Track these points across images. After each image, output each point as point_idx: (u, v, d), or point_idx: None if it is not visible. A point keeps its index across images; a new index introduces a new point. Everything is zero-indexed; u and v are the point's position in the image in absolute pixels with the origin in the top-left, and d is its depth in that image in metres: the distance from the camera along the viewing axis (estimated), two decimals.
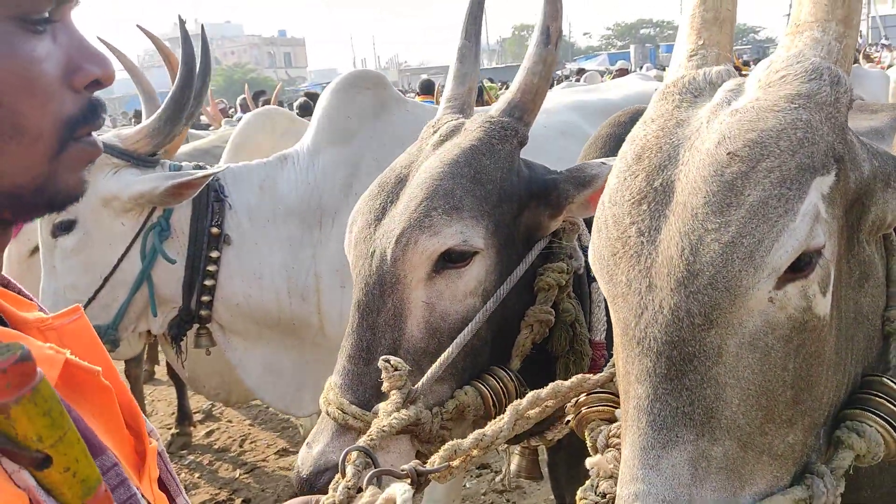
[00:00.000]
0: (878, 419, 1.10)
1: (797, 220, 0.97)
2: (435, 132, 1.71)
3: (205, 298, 2.90)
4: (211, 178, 2.71)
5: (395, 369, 1.44)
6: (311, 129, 3.08)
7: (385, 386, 1.46)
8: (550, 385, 1.32)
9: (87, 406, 0.80)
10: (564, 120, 3.55)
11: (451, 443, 1.22)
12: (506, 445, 1.95)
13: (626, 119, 2.11)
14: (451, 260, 1.53)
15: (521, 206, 1.60)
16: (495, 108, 1.69)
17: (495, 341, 1.59)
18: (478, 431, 1.26)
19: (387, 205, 1.61)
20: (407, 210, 1.54)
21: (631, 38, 75.54)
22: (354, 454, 1.20)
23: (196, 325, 3.00)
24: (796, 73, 1.06)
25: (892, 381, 1.13)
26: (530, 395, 1.31)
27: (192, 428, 5.57)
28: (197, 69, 2.87)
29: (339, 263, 2.89)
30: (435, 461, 1.20)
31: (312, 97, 12.58)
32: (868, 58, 14.80)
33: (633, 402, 1.03)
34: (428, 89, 11.80)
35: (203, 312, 2.93)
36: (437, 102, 10.65)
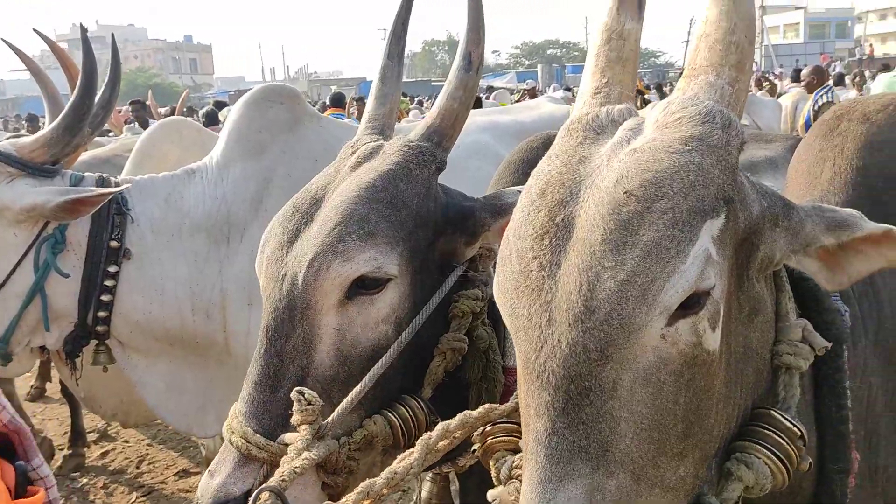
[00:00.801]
0: (766, 451, 1.14)
1: (688, 262, 1.01)
2: (353, 153, 1.69)
3: (102, 314, 2.77)
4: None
5: (309, 403, 1.40)
6: (221, 142, 3.00)
7: (296, 419, 1.42)
8: (459, 416, 1.32)
9: None
10: (477, 140, 3.58)
11: (364, 484, 1.20)
12: None
13: (538, 144, 2.13)
14: (364, 286, 1.50)
15: (437, 233, 1.59)
16: (414, 133, 1.67)
17: (407, 369, 1.57)
18: (389, 469, 1.24)
19: (300, 227, 1.58)
20: (320, 234, 1.51)
21: (538, 58, 77.19)
22: (265, 495, 1.16)
23: (94, 342, 2.87)
24: (691, 116, 1.11)
25: (780, 414, 1.18)
26: (440, 427, 1.30)
27: (85, 448, 5.30)
28: (107, 78, 2.76)
29: (247, 280, 2.83)
30: (347, 501, 1.17)
31: (220, 106, 12.34)
32: (760, 84, 15.53)
33: (532, 434, 1.05)
34: (338, 102, 11.74)
35: (100, 328, 2.81)
36: (348, 116, 10.62)
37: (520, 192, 1.63)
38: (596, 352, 1.02)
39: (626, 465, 1.02)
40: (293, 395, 1.41)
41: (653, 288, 1.01)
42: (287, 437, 1.44)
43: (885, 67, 13.53)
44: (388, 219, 1.52)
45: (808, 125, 8.35)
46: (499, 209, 1.61)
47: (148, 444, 5.46)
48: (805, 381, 1.26)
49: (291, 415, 1.43)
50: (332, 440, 1.44)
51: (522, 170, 2.08)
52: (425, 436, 1.30)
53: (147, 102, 11.32)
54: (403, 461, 1.26)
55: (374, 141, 1.70)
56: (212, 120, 9.72)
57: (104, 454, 5.35)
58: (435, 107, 1.69)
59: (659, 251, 1.01)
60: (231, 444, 1.46)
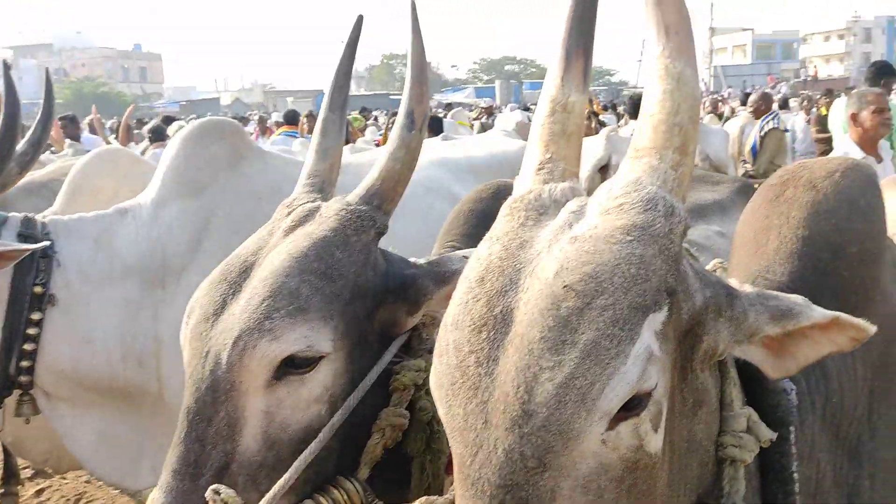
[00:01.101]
0: None
1: (628, 362, 0.97)
2: (289, 214, 1.58)
3: (25, 363, 2.61)
4: (28, 252, 2.43)
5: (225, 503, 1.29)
6: (157, 179, 2.86)
7: None
8: None
9: None
10: (430, 176, 3.49)
11: None
12: None
13: (487, 195, 2.05)
14: (295, 365, 1.39)
15: (376, 303, 1.49)
16: (354, 194, 1.57)
17: (343, 448, 1.47)
18: None
19: (228, 297, 1.46)
20: (247, 309, 1.40)
21: (496, 74, 77.86)
22: None
23: (17, 391, 2.70)
24: (633, 203, 1.07)
25: None
26: None
27: (19, 487, 5.04)
28: (38, 116, 2.62)
29: None
30: None
31: (168, 121, 12.06)
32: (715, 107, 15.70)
33: None
34: (292, 120, 11.58)
35: (23, 378, 2.64)
36: (301, 134, 10.45)
37: (465, 258, 1.56)
38: (533, 459, 0.97)
39: None
40: (208, 494, 1.30)
41: (592, 391, 0.96)
42: None
43: (829, 92, 13.85)
44: (322, 291, 1.41)
45: (753, 151, 8.47)
46: (442, 277, 1.52)
47: (86, 482, 5.24)
48: (751, 467, 1.23)
49: None
50: None
51: (472, 222, 1.99)
52: None
53: (91, 117, 10.99)
54: None
55: (312, 201, 1.59)
56: (158, 136, 9.46)
57: (39, 492, 5.13)
58: (376, 167, 1.59)
59: (598, 351, 0.96)
60: None
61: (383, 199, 1.56)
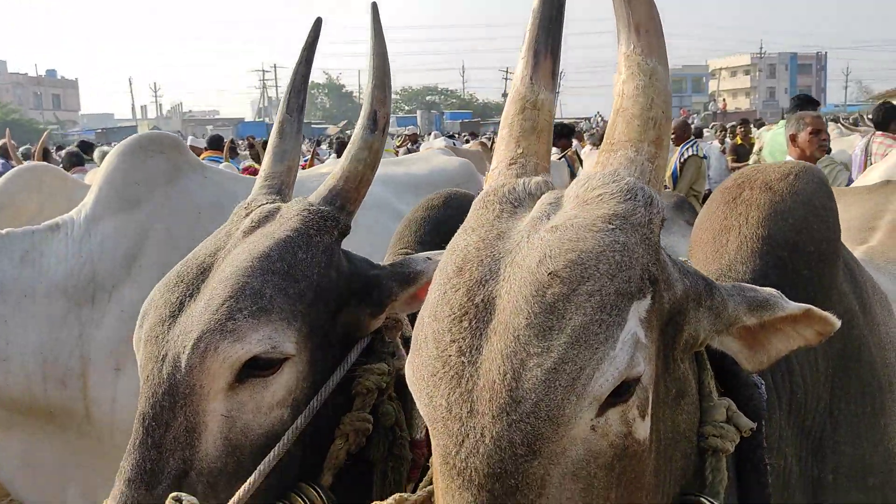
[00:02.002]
0: None
1: (617, 347, 0.97)
2: (247, 215, 1.54)
3: None
4: None
5: None
6: (92, 194, 2.78)
7: None
8: None
9: None
10: (372, 192, 3.47)
11: None
12: None
13: (439, 202, 2.05)
14: (258, 367, 1.34)
15: (339, 305, 1.46)
16: (316, 195, 1.54)
17: (306, 453, 1.42)
18: None
19: (185, 299, 1.41)
20: (208, 310, 1.35)
21: (417, 104, 78.38)
22: None
23: None
24: (612, 193, 1.08)
25: (709, 501, 1.14)
26: None
27: None
28: None
29: (117, 343, 2.61)
30: None
31: (85, 147, 11.67)
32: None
33: None
34: (216, 144, 11.38)
35: None
36: (226, 159, 10.25)
37: (428, 259, 1.55)
38: (522, 446, 0.95)
39: None
40: (168, 503, 1.23)
41: (582, 376, 0.95)
42: None
43: (745, 122, 14.56)
44: (286, 292, 1.38)
45: (674, 176, 8.71)
46: (407, 277, 1.50)
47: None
48: (728, 459, 1.23)
49: None
50: None
51: (424, 229, 1.99)
52: None
53: (3, 141, 10.54)
54: None
55: (271, 203, 1.56)
56: (76, 161, 9.15)
57: None
58: (338, 168, 1.57)
59: (587, 336, 0.96)
60: None
61: (346, 199, 1.54)
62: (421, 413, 1.08)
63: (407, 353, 1.59)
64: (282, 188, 1.63)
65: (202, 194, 2.83)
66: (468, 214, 1.19)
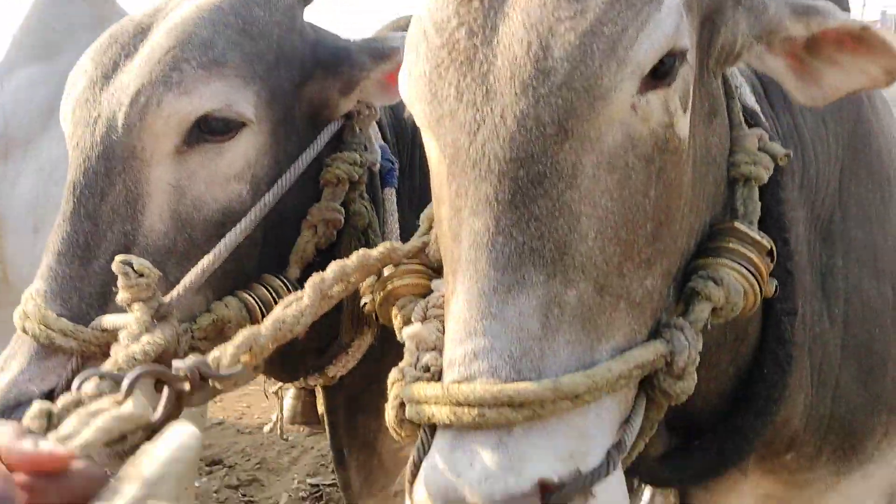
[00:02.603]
0: (735, 265, 0.97)
1: (662, 10, 0.85)
2: None
3: None
4: None
5: (140, 275, 1.06)
6: (7, 43, 2.51)
7: (123, 297, 1.07)
8: (356, 254, 1.05)
9: None
10: None
11: (246, 332, 0.90)
12: (278, 387, 1.61)
13: None
14: (210, 130, 1.18)
15: (304, 75, 1.28)
16: None
17: (268, 242, 1.27)
18: (274, 317, 0.94)
19: (120, 59, 1.22)
20: (149, 62, 1.17)
21: None
22: (95, 380, 0.80)
23: None
24: None
25: (744, 226, 1.02)
26: (335, 266, 1.02)
27: None
28: None
29: (34, 202, 2.40)
30: (223, 358, 0.86)
31: None
32: None
33: (467, 241, 0.84)
34: None
35: None
36: None
37: (405, 37, 1.37)
38: (552, 125, 0.82)
39: (588, 271, 0.83)
40: (116, 265, 1.06)
41: (623, 39, 0.83)
42: (106, 319, 1.09)
43: None
44: (241, 48, 1.20)
45: None
46: (380, 53, 1.33)
47: None
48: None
49: (111, 293, 1.08)
50: (174, 323, 1.09)
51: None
52: (317, 276, 1.01)
53: None
54: (291, 307, 0.95)
55: None
56: None
57: None
58: None
59: None
60: (26, 331, 1.11)
61: None
62: (419, 123, 0.93)
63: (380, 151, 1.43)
64: None
65: None
66: None
